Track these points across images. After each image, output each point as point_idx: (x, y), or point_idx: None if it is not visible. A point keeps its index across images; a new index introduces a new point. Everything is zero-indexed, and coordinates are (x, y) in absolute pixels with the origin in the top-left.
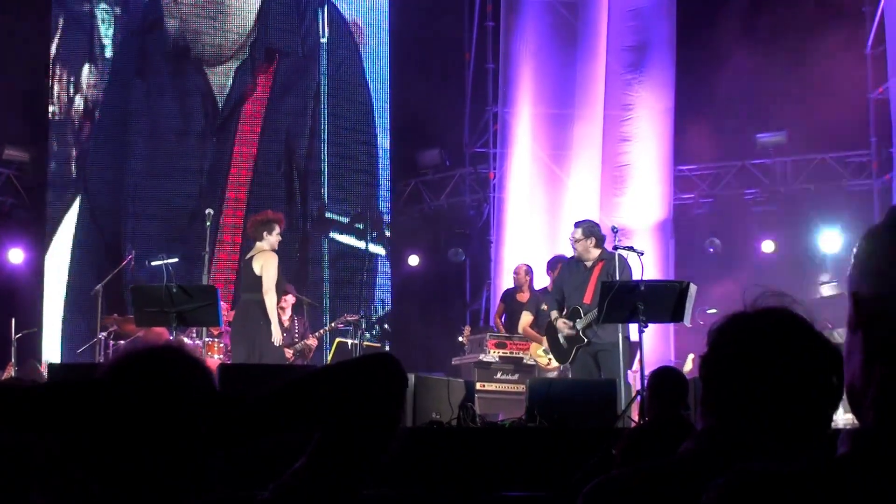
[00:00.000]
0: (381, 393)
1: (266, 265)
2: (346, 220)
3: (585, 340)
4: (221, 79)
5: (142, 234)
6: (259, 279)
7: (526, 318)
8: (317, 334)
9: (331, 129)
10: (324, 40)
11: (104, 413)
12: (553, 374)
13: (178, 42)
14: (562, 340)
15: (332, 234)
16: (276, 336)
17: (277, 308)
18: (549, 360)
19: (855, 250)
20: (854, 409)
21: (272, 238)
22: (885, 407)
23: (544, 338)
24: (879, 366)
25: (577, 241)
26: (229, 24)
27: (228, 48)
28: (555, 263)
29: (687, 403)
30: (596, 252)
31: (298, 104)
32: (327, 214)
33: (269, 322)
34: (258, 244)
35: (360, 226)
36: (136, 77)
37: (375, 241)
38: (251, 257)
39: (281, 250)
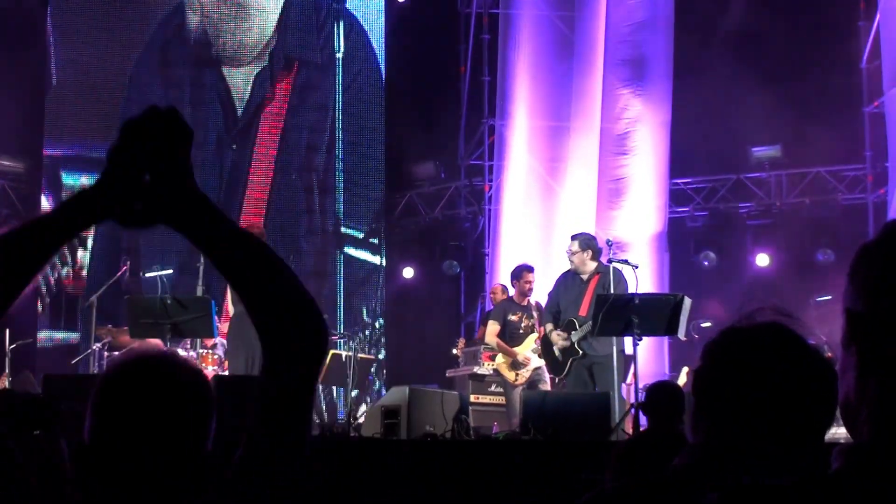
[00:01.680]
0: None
1: None
2: (360, 234)
3: (581, 353)
4: (241, 84)
5: (150, 245)
6: None
7: (492, 327)
8: None
9: (346, 142)
10: (339, 55)
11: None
12: (518, 390)
13: (200, 38)
14: (557, 353)
15: (346, 249)
16: None
17: None
18: (517, 374)
19: (850, 266)
20: (848, 425)
21: None
22: (879, 423)
23: (516, 349)
24: (873, 382)
25: (573, 253)
26: (250, 22)
27: (249, 50)
28: (518, 273)
29: (682, 418)
30: (592, 265)
31: (318, 116)
32: (343, 229)
33: None
34: None
35: (375, 240)
36: (157, 75)
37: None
38: None
39: (290, 260)
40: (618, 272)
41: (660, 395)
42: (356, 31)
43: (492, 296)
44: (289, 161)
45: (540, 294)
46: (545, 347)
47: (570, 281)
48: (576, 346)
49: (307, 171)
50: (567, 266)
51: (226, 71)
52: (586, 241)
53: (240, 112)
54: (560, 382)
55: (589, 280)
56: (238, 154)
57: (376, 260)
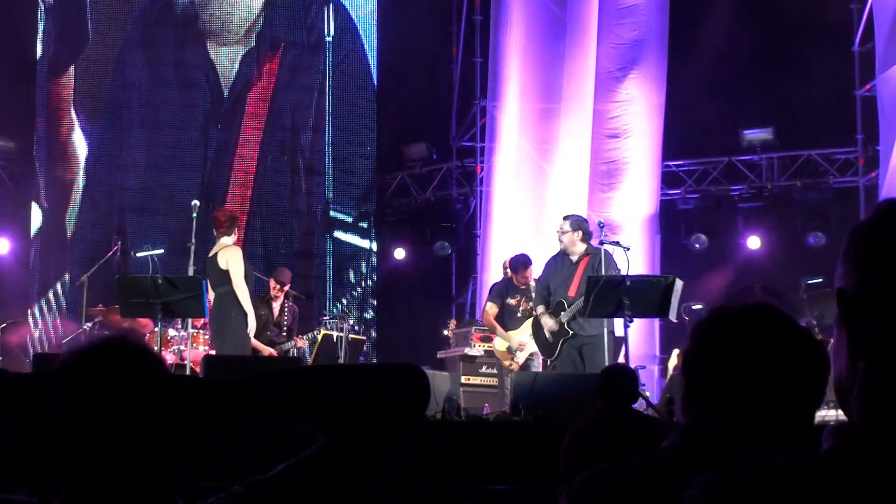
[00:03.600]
0: (403, 408)
1: (232, 260)
2: (350, 219)
3: (570, 333)
4: (227, 65)
5: (140, 226)
6: (226, 273)
7: (490, 308)
8: (307, 336)
9: (335, 126)
10: (329, 38)
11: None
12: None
13: (188, 11)
14: (547, 335)
15: (335, 233)
16: (252, 326)
17: (274, 293)
18: (512, 360)
19: (843, 246)
20: (842, 403)
21: (236, 235)
22: (869, 403)
23: (510, 333)
24: (862, 362)
25: (564, 233)
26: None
27: (236, 27)
28: (516, 265)
29: (671, 398)
30: (582, 246)
31: (303, 98)
32: (332, 213)
33: (241, 313)
34: (224, 239)
35: (364, 224)
36: (139, 49)
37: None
38: (215, 254)
39: (268, 244)
40: (608, 254)
41: (616, 378)
42: (342, 14)
43: (506, 270)
44: (274, 141)
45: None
46: (535, 330)
47: (559, 263)
48: (565, 326)
49: (293, 151)
50: (557, 248)
51: (212, 51)
52: (578, 222)
53: (226, 93)
54: (551, 365)
55: (578, 261)
56: (224, 134)
57: (365, 244)
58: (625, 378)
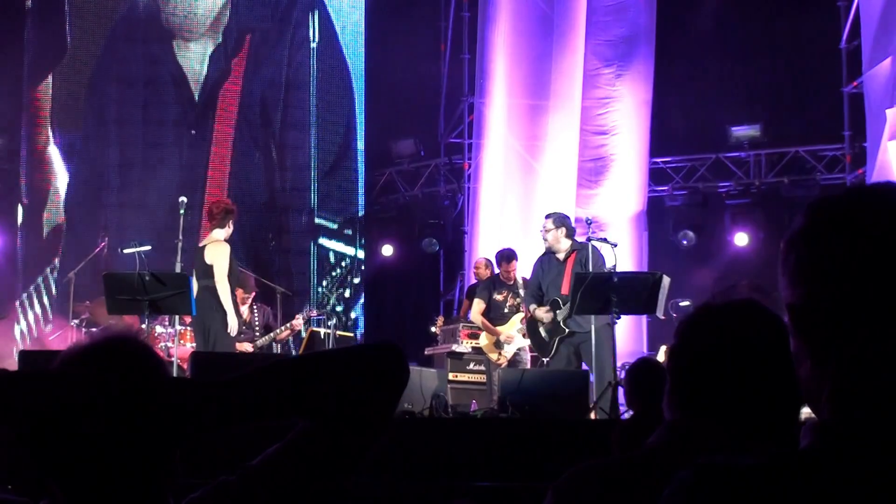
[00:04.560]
0: (382, 388)
1: (217, 255)
2: (335, 225)
3: (567, 331)
4: (196, 66)
5: (121, 225)
6: (210, 267)
7: (477, 305)
8: (288, 326)
9: (319, 128)
10: (314, 45)
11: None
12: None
13: (151, 7)
14: (543, 333)
15: (321, 240)
16: (232, 325)
17: (237, 301)
18: (500, 353)
19: (781, 257)
20: (811, 405)
21: (229, 229)
22: (840, 404)
23: (498, 328)
24: (827, 374)
25: (547, 230)
26: None
27: (200, 20)
28: (499, 259)
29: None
30: (567, 243)
31: (272, 91)
32: (316, 220)
33: (222, 311)
34: (215, 232)
35: (350, 231)
36: (114, 58)
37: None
38: (204, 246)
39: (254, 238)
40: (595, 249)
41: (651, 374)
42: (325, 17)
43: (475, 271)
44: (249, 133)
45: (519, 274)
46: (531, 328)
47: (547, 262)
48: (561, 324)
49: (267, 147)
50: (543, 245)
51: (178, 48)
52: (560, 219)
53: (196, 92)
54: (546, 364)
55: (566, 258)
56: (198, 133)
57: (350, 251)
58: (659, 372)
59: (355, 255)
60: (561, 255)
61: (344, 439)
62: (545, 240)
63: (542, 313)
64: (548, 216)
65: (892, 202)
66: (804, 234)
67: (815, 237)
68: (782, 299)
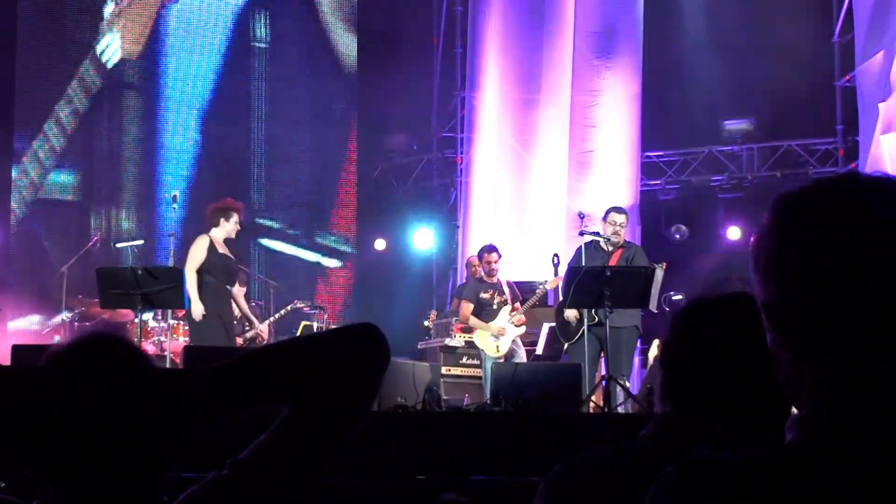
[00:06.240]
0: (362, 369)
1: (194, 245)
2: (277, 225)
3: (595, 319)
4: None
5: (117, 219)
6: (206, 262)
7: (466, 307)
8: (267, 322)
9: (311, 124)
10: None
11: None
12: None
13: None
14: (572, 320)
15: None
16: (196, 310)
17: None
18: (497, 347)
19: (753, 253)
20: (791, 399)
21: (228, 226)
22: (823, 399)
23: (489, 324)
24: (806, 369)
25: (621, 226)
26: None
27: None
28: (480, 254)
29: (651, 388)
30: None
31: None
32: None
33: (211, 302)
34: (211, 231)
35: (295, 232)
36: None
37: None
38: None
39: (240, 235)
40: (641, 250)
41: None
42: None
43: (473, 269)
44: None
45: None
46: (558, 312)
47: (591, 251)
48: (593, 312)
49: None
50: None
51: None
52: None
53: None
54: (566, 349)
55: (612, 252)
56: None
57: (310, 256)
58: None
59: (318, 261)
60: (609, 248)
61: (327, 421)
62: (617, 234)
63: (570, 312)
64: (618, 210)
65: (857, 193)
66: (773, 230)
67: (784, 232)
68: (755, 289)
